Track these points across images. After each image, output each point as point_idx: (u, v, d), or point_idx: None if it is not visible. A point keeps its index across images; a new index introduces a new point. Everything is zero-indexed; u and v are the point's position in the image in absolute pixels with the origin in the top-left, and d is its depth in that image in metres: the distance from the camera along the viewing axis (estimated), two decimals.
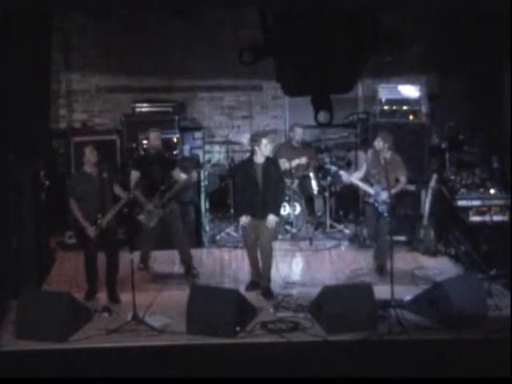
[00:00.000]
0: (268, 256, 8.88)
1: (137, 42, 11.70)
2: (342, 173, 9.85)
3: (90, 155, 8.62)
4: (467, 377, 6.74)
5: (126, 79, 11.97)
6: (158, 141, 9.59)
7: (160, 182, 9.38)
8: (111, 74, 11.93)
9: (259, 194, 8.77)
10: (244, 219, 8.87)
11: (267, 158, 8.87)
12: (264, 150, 8.75)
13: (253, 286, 9.00)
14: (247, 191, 8.86)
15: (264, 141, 8.74)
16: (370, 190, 9.48)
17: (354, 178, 9.67)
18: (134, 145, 10.66)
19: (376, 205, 9.38)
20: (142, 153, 10.26)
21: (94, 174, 8.63)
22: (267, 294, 8.83)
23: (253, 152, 8.90)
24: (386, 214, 9.25)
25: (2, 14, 7.70)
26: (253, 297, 8.59)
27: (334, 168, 10.22)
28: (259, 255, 8.95)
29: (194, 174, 9.60)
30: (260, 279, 8.96)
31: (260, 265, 8.96)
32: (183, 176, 9.56)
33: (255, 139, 8.88)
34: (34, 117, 8.68)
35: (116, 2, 9.15)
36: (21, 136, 8.58)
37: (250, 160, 8.93)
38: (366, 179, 9.60)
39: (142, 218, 9.34)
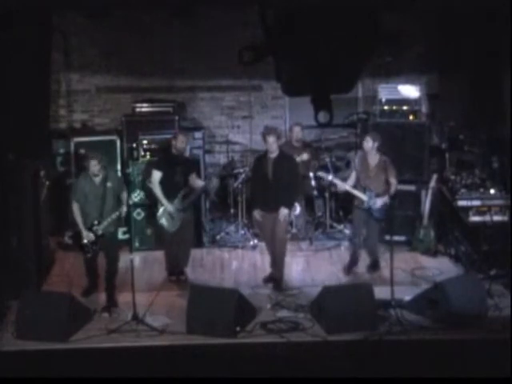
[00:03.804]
0: (282, 248, 9.06)
1: (137, 42, 11.69)
2: (337, 181, 9.64)
3: (94, 168, 8.56)
4: (467, 377, 6.75)
5: (126, 79, 11.96)
6: (185, 144, 9.34)
7: (182, 185, 9.25)
8: (111, 74, 11.93)
9: (269, 188, 8.90)
10: (256, 213, 9.02)
11: (280, 154, 9.00)
12: (269, 147, 8.89)
13: (270, 279, 9.15)
14: (259, 185, 9.04)
15: (270, 138, 8.81)
16: (363, 197, 9.34)
17: (348, 185, 9.44)
18: (134, 145, 10.65)
19: (370, 210, 9.31)
20: (166, 153, 9.79)
21: (98, 182, 8.63)
22: (278, 286, 8.97)
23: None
24: (379, 218, 9.26)
25: (1, 14, 7.69)
26: (253, 297, 8.59)
27: (326, 176, 9.80)
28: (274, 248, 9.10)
29: (213, 182, 9.58)
30: (273, 271, 9.13)
31: (274, 257, 9.11)
32: (200, 182, 9.53)
33: (263, 136, 9.06)
34: (34, 117, 8.68)
35: (116, 2, 9.14)
36: (21, 136, 8.57)
37: (264, 155, 9.09)
38: (357, 184, 9.44)
39: (164, 221, 9.18)
